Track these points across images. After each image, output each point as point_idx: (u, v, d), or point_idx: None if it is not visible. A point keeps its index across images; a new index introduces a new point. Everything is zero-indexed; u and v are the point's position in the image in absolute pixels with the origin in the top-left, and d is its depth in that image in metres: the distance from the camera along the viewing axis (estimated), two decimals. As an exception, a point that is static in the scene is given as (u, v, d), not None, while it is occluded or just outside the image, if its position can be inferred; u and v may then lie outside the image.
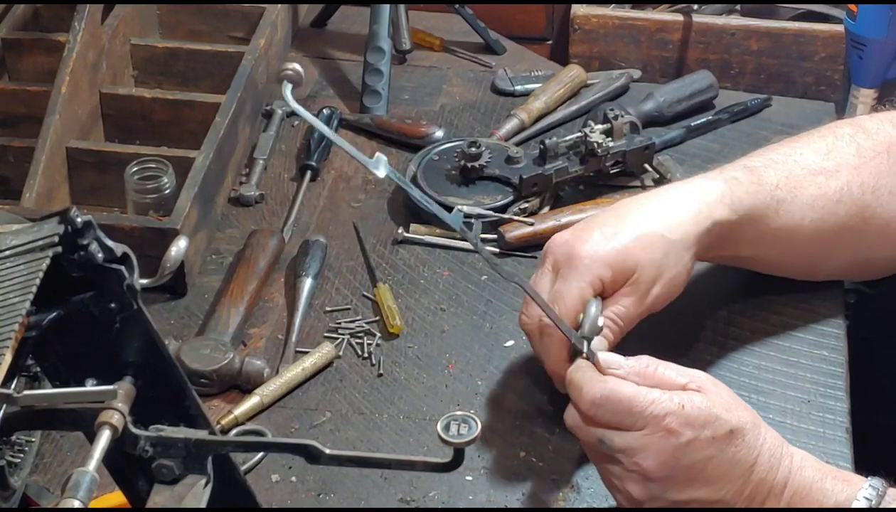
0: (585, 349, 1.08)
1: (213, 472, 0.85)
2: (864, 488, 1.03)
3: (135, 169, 1.41)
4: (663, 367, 1.05)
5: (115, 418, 0.79)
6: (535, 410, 1.23)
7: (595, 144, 1.46)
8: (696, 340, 1.29)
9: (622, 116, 1.51)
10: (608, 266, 1.15)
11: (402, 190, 1.48)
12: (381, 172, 1.08)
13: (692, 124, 1.62)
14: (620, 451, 1.02)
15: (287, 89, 1.09)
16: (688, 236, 1.18)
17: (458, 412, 0.82)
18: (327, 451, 0.83)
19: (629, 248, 1.15)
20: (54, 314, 0.79)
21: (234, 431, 1.19)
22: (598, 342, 1.11)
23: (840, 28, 1.85)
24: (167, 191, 1.40)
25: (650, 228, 1.17)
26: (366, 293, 1.37)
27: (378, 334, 1.31)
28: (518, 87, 1.70)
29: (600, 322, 1.12)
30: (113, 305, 0.80)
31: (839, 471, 1.07)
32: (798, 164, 1.25)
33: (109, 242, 0.79)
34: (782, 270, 1.31)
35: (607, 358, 1.06)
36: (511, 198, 1.45)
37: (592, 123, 1.50)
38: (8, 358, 0.74)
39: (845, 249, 1.27)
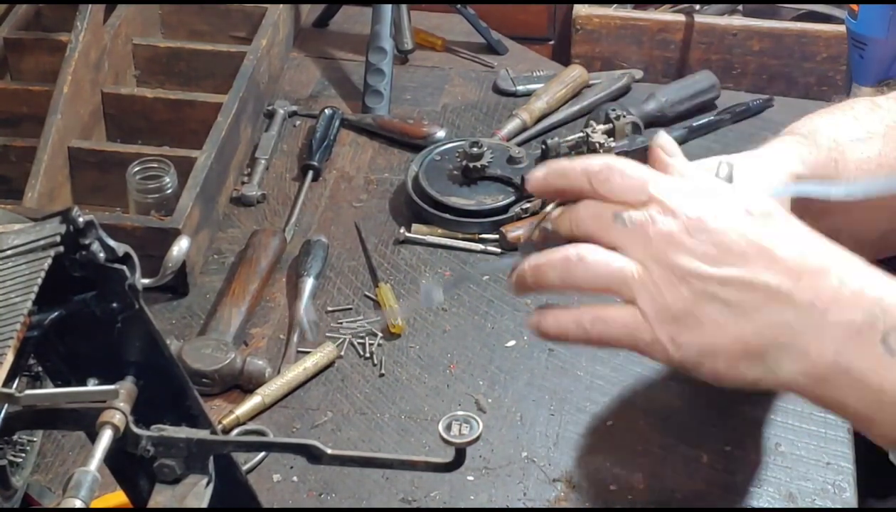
0: None
1: (214, 471, 0.85)
2: None
3: (137, 169, 1.41)
4: None
5: (117, 418, 0.79)
6: (537, 409, 1.23)
7: (597, 145, 1.46)
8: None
9: (624, 117, 1.51)
10: None
11: (404, 190, 1.49)
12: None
13: (694, 125, 1.62)
14: (640, 208, 0.89)
15: None
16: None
17: (460, 412, 0.82)
18: (329, 450, 0.83)
19: None
20: (56, 314, 0.79)
21: (235, 431, 1.19)
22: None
23: (842, 28, 1.85)
24: (169, 191, 1.40)
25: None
26: (367, 293, 1.37)
27: (380, 334, 1.31)
28: (520, 88, 1.70)
29: None
30: (115, 304, 0.80)
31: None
32: (838, 131, 1.24)
33: (111, 242, 0.79)
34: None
35: None
36: (513, 198, 1.45)
37: (594, 124, 1.50)
38: (10, 358, 0.74)
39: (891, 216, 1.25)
